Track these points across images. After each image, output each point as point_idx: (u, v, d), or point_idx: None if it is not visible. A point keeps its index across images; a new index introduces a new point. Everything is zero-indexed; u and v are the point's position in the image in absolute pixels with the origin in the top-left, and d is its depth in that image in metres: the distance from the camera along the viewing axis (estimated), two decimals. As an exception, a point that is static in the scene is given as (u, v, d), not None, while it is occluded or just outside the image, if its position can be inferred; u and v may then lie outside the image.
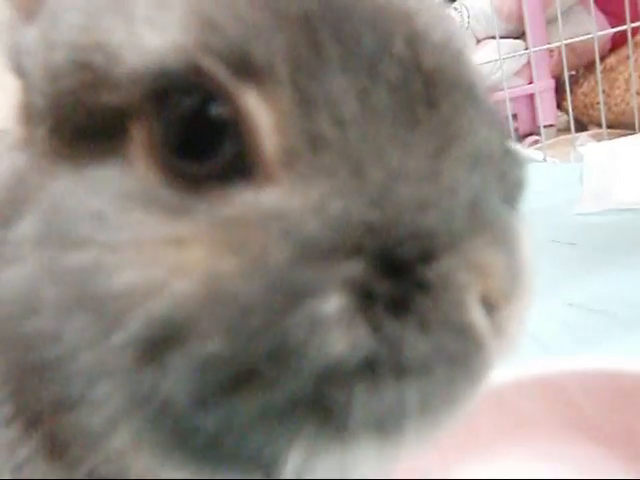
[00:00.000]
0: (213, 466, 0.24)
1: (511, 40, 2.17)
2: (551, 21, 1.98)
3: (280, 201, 0.22)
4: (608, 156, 1.43)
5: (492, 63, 2.04)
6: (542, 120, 1.99)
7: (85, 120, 0.25)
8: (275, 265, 0.22)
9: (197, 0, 0.22)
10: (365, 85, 0.22)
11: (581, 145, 1.75)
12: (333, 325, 0.21)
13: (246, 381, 0.22)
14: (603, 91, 1.91)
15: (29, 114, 0.28)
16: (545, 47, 1.98)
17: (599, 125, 1.83)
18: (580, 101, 2.18)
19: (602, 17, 2.16)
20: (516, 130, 2.11)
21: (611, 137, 1.74)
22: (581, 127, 2.14)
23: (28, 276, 0.25)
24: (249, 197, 0.23)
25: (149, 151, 0.24)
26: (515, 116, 2.14)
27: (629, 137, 1.65)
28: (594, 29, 1.72)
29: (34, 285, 0.25)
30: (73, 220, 0.24)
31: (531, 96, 2.16)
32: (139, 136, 0.24)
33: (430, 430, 0.24)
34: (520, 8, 2.11)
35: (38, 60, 0.26)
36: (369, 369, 0.21)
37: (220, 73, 0.22)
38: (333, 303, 0.21)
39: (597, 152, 1.50)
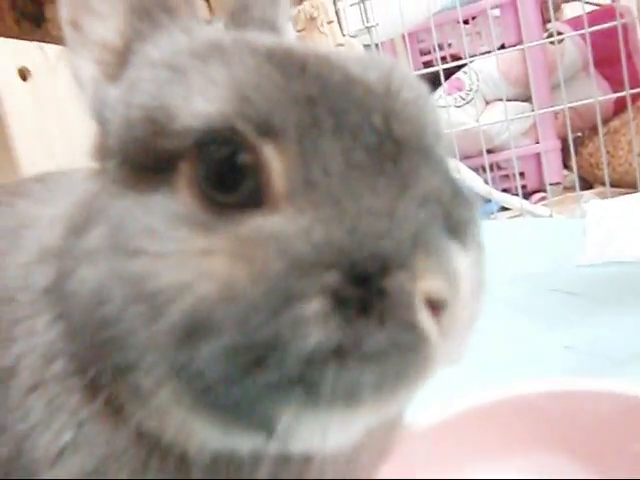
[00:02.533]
0: (229, 424, 0.32)
1: (518, 102, 2.27)
2: (556, 86, 2.07)
3: (281, 226, 0.30)
4: (610, 212, 1.48)
5: (500, 124, 2.14)
6: (548, 178, 2.06)
7: (147, 158, 0.34)
8: (273, 274, 0.29)
9: (236, 81, 0.32)
10: (349, 147, 0.31)
11: (586, 202, 1.81)
12: (313, 322, 0.28)
13: (254, 364, 0.29)
14: (607, 152, 1.98)
15: (103, 152, 0.38)
16: (549, 110, 2.07)
17: (603, 184, 1.89)
18: (586, 161, 2.25)
19: (604, 83, 2.26)
20: (524, 187, 2.17)
21: (614, 195, 1.80)
22: (587, 185, 2.20)
23: (99, 275, 0.33)
24: (259, 221, 0.31)
25: (192, 183, 0.32)
26: (523, 174, 2.21)
27: (631, 195, 1.71)
28: (596, 94, 1.81)
29: (104, 283, 0.33)
30: (132, 234, 0.32)
31: (538, 155, 2.24)
32: (185, 172, 0.33)
33: (383, 404, 0.30)
34: (526, 73, 2.22)
35: (117, 113, 0.36)
36: (338, 355, 0.28)
37: (248, 132, 0.31)
38: (314, 305, 0.29)
39: (599, 208, 1.55)
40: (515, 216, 2.01)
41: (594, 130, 2.12)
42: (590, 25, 1.80)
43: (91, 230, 0.35)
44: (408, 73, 0.37)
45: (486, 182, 2.05)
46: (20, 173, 1.25)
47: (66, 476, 0.36)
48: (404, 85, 0.35)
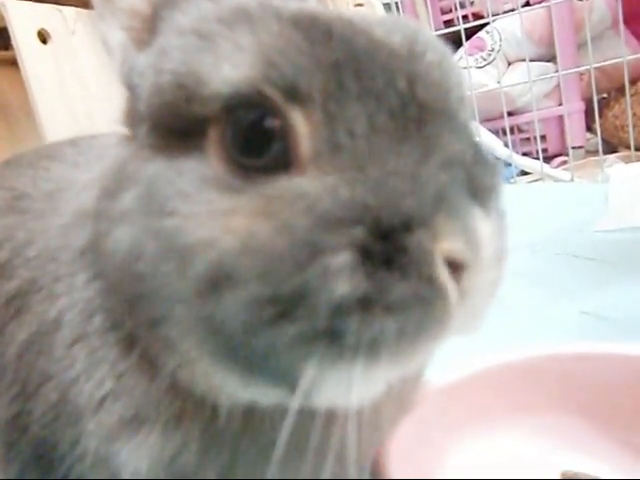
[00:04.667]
0: (252, 375, 0.33)
1: (542, 63, 2.21)
2: (583, 44, 2.01)
3: (307, 186, 0.31)
4: (633, 177, 1.46)
5: (522, 85, 2.09)
6: (570, 141, 2.02)
7: (177, 123, 0.35)
8: (299, 228, 0.30)
9: (262, 47, 0.32)
10: (373, 110, 0.32)
11: (609, 167, 1.78)
12: (340, 274, 0.30)
13: (280, 316, 0.30)
14: (633, 114, 1.93)
15: (133, 117, 0.39)
16: (574, 70, 2.01)
17: (629, 147, 1.85)
18: (610, 123, 2.20)
19: (634, 41, 2.19)
20: (545, 151, 2.13)
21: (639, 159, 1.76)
22: (611, 149, 2.15)
23: (134, 235, 0.35)
24: (285, 182, 0.32)
25: (220, 148, 0.33)
26: (544, 137, 2.17)
27: (656, 159, 1.67)
28: (625, 53, 1.75)
29: (138, 241, 0.34)
30: (164, 196, 0.34)
31: (560, 118, 2.19)
32: (214, 137, 0.34)
33: (403, 358, 0.31)
34: (551, 32, 2.14)
35: (147, 79, 0.37)
36: (363, 306, 0.29)
37: (275, 97, 0.32)
38: (341, 258, 0.30)
39: (623, 173, 1.53)
40: (535, 180, 1.98)
41: (620, 91, 2.06)
42: (620, -21, 1.73)
43: (125, 193, 0.36)
44: (432, 36, 0.37)
45: (506, 145, 2.02)
46: (42, 134, 1.27)
47: (108, 422, 0.39)
48: (428, 48, 0.35)
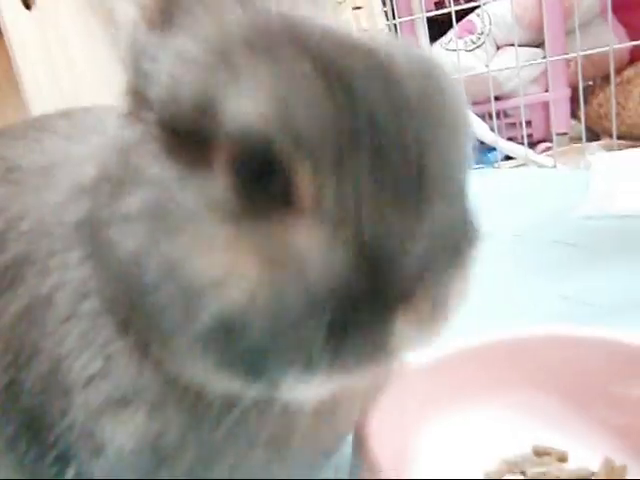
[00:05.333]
0: (236, 376, 0.36)
1: (530, 48, 2.21)
2: (571, 31, 2.01)
3: (300, 231, 0.32)
4: (614, 165, 1.49)
5: (509, 70, 2.10)
6: (555, 128, 2.04)
7: (190, 134, 0.34)
8: (290, 291, 0.32)
9: (281, 89, 0.32)
10: (376, 179, 0.32)
11: (592, 154, 1.80)
12: (318, 336, 0.32)
13: (279, 354, 0.33)
14: (618, 103, 1.95)
15: (140, 100, 0.38)
16: (562, 57, 2.03)
17: (611, 135, 1.88)
18: (595, 111, 2.22)
19: (622, 29, 2.20)
20: (530, 136, 2.15)
21: (621, 148, 1.79)
22: (595, 137, 2.18)
23: (138, 243, 0.35)
24: (285, 227, 0.33)
25: (230, 174, 0.33)
26: (529, 122, 2.19)
27: (638, 148, 1.70)
28: (611, 42, 1.76)
29: (141, 251, 0.35)
30: (171, 211, 0.34)
31: (546, 104, 2.21)
32: (226, 162, 0.34)
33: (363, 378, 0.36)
34: (541, 17, 2.15)
35: (162, 77, 0.36)
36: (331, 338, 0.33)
37: (285, 143, 0.32)
38: (313, 329, 0.32)
39: (604, 161, 1.55)
40: (519, 165, 2.00)
41: (606, 79, 2.07)
42: (611, -34, 1.73)
43: (130, 194, 0.36)
44: (452, 85, 0.37)
45: (492, 129, 2.03)
46: (26, 102, 1.24)
47: (95, 399, 0.40)
48: (444, 105, 0.35)
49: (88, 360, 0.40)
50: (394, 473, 0.51)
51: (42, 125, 0.59)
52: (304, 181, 0.32)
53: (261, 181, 0.33)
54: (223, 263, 0.33)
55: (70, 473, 0.43)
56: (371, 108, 0.32)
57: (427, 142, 0.33)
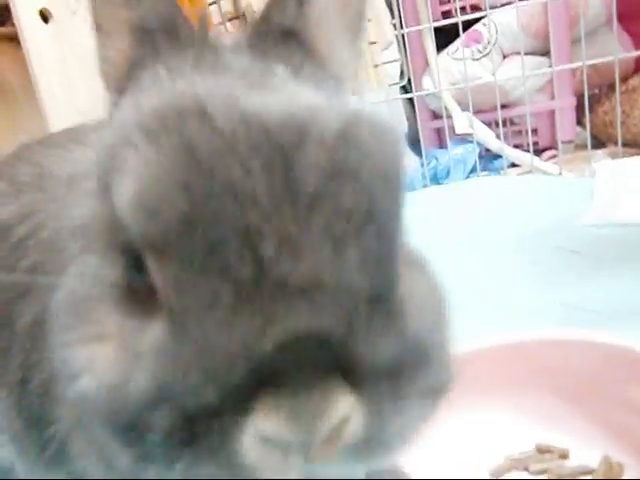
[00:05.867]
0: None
1: (536, 57, 2.23)
2: (577, 40, 2.02)
3: (155, 338, 0.31)
4: (619, 173, 1.50)
5: (515, 78, 2.11)
6: (560, 136, 2.05)
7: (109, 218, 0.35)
8: (137, 390, 0.31)
9: (141, 180, 0.31)
10: (216, 288, 0.30)
11: (597, 161, 1.81)
12: (164, 437, 0.31)
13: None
14: (623, 111, 1.96)
15: None
16: (567, 67, 2.04)
17: (617, 143, 1.88)
18: (600, 119, 2.23)
19: (628, 38, 2.22)
20: (536, 144, 2.16)
21: (626, 156, 1.79)
22: (600, 144, 2.19)
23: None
24: (149, 313, 0.32)
25: (121, 262, 0.34)
26: (535, 130, 2.21)
27: (643, 156, 1.71)
28: (616, 51, 1.78)
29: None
30: (82, 298, 0.37)
31: (552, 112, 2.22)
32: (119, 250, 0.34)
33: None
34: (547, 26, 2.16)
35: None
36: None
37: (145, 240, 0.31)
38: (165, 421, 0.31)
39: (609, 169, 1.56)
40: (524, 173, 2.02)
41: (611, 87, 2.08)
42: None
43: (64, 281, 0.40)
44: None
45: (498, 137, 2.05)
46: (43, 112, 1.28)
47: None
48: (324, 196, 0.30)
49: None
50: (399, 472, 0.53)
51: (77, 135, 0.62)
52: (157, 274, 0.31)
53: (139, 269, 0.32)
54: (84, 355, 0.34)
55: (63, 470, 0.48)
56: (219, 210, 0.30)
57: (283, 241, 0.30)
